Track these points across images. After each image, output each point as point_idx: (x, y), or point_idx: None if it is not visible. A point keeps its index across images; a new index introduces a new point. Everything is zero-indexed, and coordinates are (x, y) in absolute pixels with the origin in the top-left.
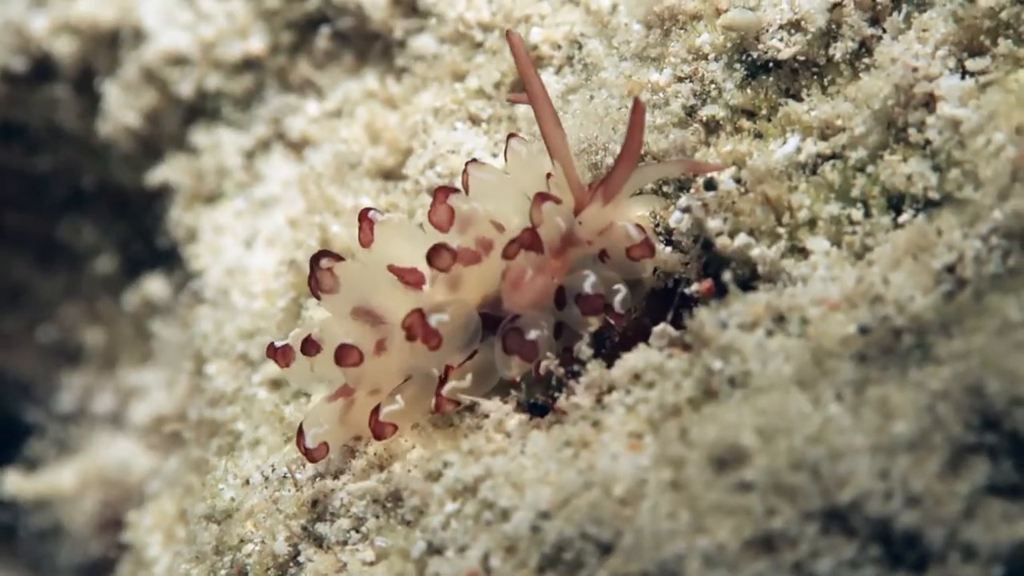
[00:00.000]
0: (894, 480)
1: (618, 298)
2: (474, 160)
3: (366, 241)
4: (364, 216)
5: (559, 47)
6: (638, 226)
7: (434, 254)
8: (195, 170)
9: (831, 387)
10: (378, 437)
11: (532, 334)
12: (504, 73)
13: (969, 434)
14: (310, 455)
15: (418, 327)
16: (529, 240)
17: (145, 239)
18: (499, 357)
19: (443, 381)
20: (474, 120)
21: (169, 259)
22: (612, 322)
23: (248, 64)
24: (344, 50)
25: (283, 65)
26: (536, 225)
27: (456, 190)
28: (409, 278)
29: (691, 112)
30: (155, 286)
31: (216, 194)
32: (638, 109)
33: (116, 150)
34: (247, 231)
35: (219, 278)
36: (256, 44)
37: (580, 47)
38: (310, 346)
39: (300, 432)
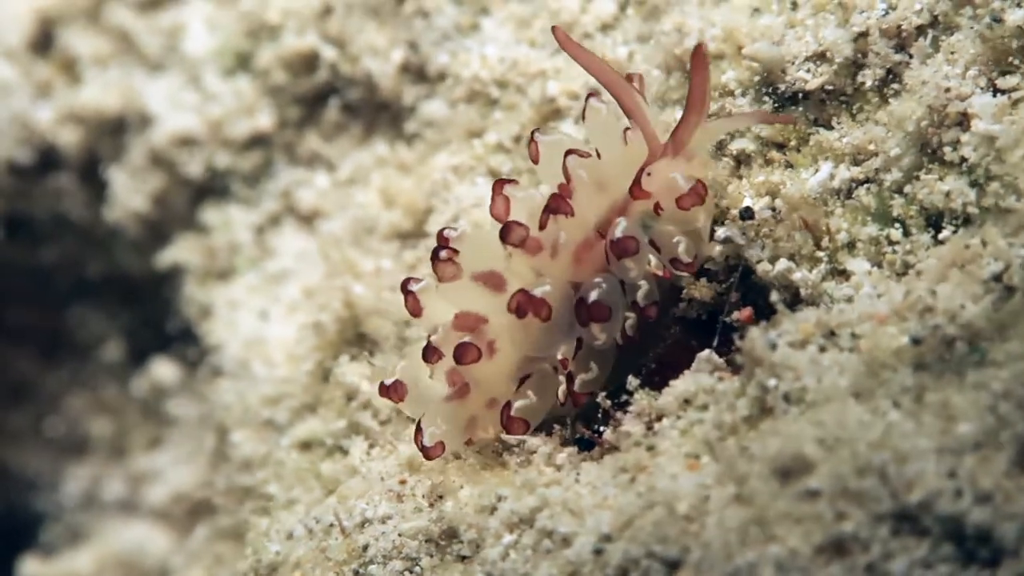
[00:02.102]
0: (962, 479)
1: (681, 248)
2: (537, 129)
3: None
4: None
5: (577, 97)
6: (687, 176)
7: (506, 231)
8: (206, 248)
9: (888, 396)
10: (510, 432)
11: (592, 295)
12: (523, 125)
13: None
14: (427, 453)
15: (526, 302)
16: (555, 204)
17: (152, 324)
18: (584, 334)
19: (571, 378)
20: (494, 174)
21: (179, 341)
22: (680, 272)
23: (256, 140)
24: (353, 121)
25: (291, 140)
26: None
27: (512, 181)
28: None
29: (720, 146)
30: (164, 370)
31: (228, 270)
32: (698, 55)
33: (123, 236)
34: (262, 304)
35: (237, 351)
36: (264, 120)
37: (599, 95)
38: (431, 352)
39: (418, 430)
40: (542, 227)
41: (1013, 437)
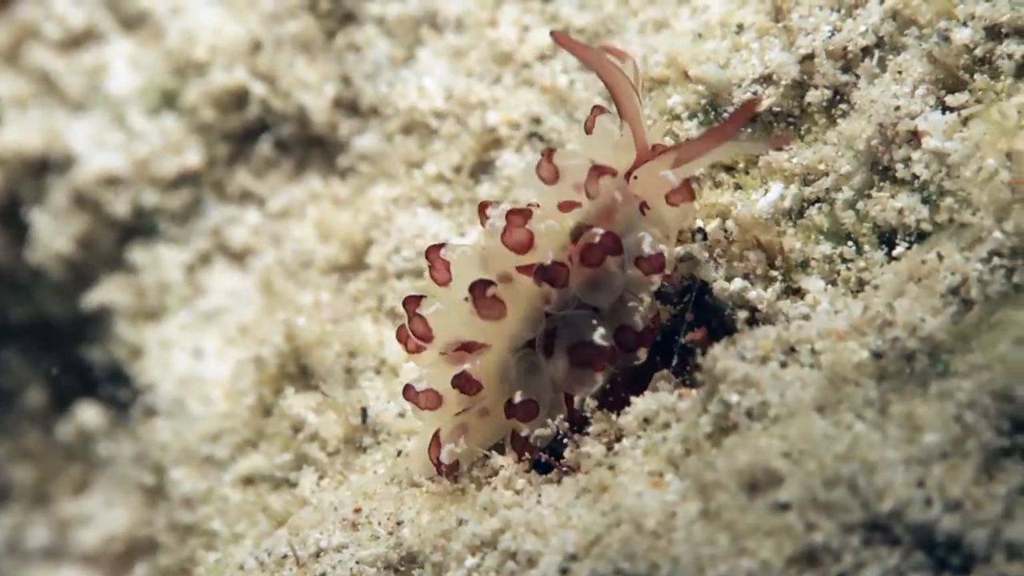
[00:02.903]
0: (931, 488)
1: (646, 243)
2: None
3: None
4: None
5: (518, 126)
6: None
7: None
8: (134, 288)
9: (851, 410)
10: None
11: (593, 336)
12: (464, 155)
13: (1001, 439)
14: (442, 469)
15: (544, 268)
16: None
17: (76, 368)
18: (573, 376)
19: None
20: (435, 205)
21: (108, 383)
22: (647, 274)
23: (185, 178)
24: (284, 157)
25: (221, 177)
26: (591, 196)
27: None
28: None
29: None
30: (89, 414)
31: (159, 310)
32: (746, 107)
33: (46, 279)
34: (195, 343)
35: (172, 389)
36: (192, 158)
37: (540, 123)
38: (471, 385)
39: (436, 443)
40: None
41: (979, 445)
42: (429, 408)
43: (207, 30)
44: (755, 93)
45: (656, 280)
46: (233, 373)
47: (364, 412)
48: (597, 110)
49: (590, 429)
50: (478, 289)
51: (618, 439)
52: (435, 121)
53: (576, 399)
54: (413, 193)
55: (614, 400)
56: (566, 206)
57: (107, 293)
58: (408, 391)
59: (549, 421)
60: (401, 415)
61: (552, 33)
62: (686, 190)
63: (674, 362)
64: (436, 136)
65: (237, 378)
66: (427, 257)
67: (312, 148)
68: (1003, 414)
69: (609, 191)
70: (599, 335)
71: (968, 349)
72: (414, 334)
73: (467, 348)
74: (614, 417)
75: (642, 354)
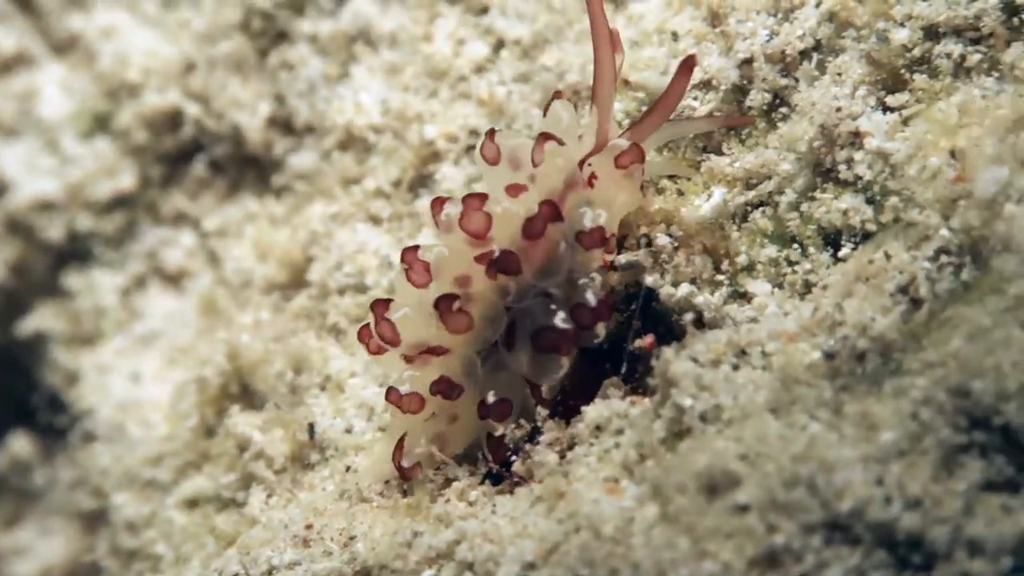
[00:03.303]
0: (890, 486)
1: (587, 218)
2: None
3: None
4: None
5: (456, 139)
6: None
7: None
8: (70, 314)
9: (805, 411)
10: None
11: (554, 321)
12: (403, 170)
13: (958, 435)
14: (405, 473)
15: (494, 260)
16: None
17: (10, 396)
18: (538, 364)
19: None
20: (374, 220)
21: (43, 410)
22: (588, 248)
23: (119, 202)
24: (218, 177)
25: (155, 199)
26: (536, 164)
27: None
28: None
29: None
30: (21, 444)
31: (95, 335)
32: (687, 65)
33: None
34: (133, 367)
35: (110, 414)
36: (126, 181)
37: (478, 136)
38: (452, 389)
39: (400, 448)
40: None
41: (937, 442)
42: (412, 411)
43: (140, 52)
44: (695, 98)
45: (598, 256)
46: (173, 395)
47: (311, 428)
48: (556, 95)
49: (542, 438)
50: (443, 304)
51: (570, 447)
52: (373, 136)
53: (544, 388)
54: (352, 209)
55: (564, 409)
56: (513, 189)
57: (42, 319)
58: (391, 393)
59: (522, 421)
60: (348, 431)
61: None
62: (636, 150)
63: (623, 369)
64: (374, 151)
65: (178, 400)
66: (403, 260)
67: (247, 168)
68: (959, 410)
69: (553, 157)
70: (559, 319)
71: (920, 347)
72: (381, 337)
73: (432, 352)
74: (566, 426)
75: (600, 330)
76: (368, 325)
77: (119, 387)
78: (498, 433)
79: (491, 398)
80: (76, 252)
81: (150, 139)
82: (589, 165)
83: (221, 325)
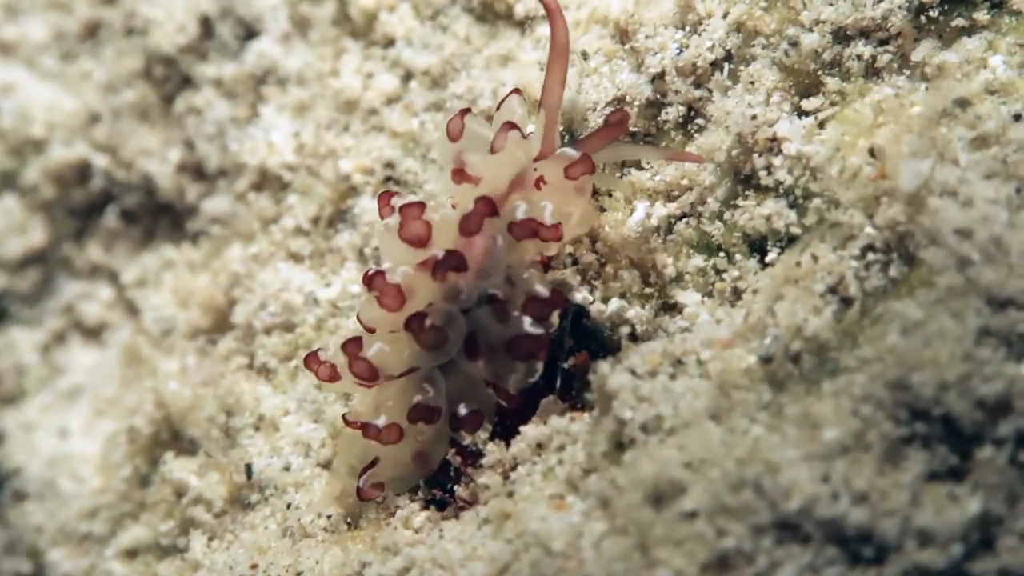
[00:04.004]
0: (836, 482)
1: (547, 212)
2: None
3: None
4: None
5: (372, 172)
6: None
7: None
8: None
9: (745, 415)
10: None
11: (525, 328)
12: (321, 205)
13: (900, 428)
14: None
15: (439, 262)
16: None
17: None
18: (514, 371)
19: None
20: (296, 258)
21: None
22: (546, 239)
23: (32, 258)
24: (132, 227)
25: (69, 253)
26: (495, 151)
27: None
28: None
29: None
30: None
31: (17, 393)
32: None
33: None
34: (59, 422)
35: (40, 471)
36: (37, 237)
37: (394, 167)
38: (431, 414)
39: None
40: (472, 232)
41: (879, 436)
42: (391, 442)
43: (41, 107)
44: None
45: (531, 249)
46: (104, 447)
47: (248, 468)
48: (463, 113)
49: (484, 461)
50: (415, 323)
51: (513, 468)
52: (288, 174)
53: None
54: (272, 248)
55: (503, 430)
56: (459, 176)
57: None
58: (369, 429)
59: (485, 424)
60: (286, 468)
61: None
62: (586, 161)
63: (558, 386)
64: (290, 189)
65: (109, 451)
66: (370, 286)
67: (160, 215)
68: (900, 403)
69: (514, 146)
70: (529, 324)
71: (855, 345)
72: (359, 376)
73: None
74: (506, 447)
75: (555, 319)
76: (315, 352)
77: (46, 443)
78: (466, 443)
79: (463, 410)
80: None
81: (59, 193)
82: (535, 170)
83: (146, 374)
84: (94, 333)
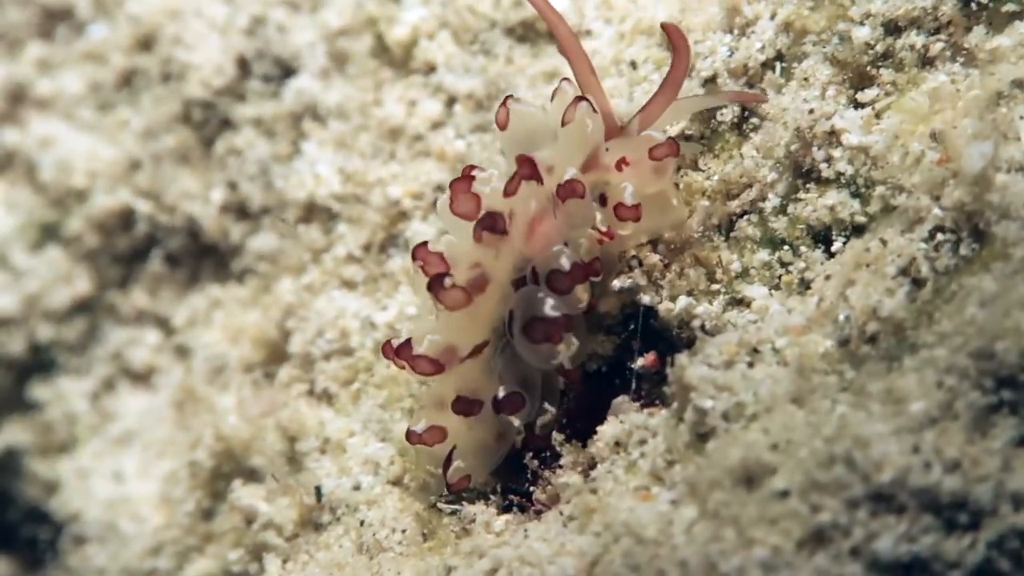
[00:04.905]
0: (927, 452)
1: (628, 193)
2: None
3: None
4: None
5: (421, 196)
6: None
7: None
8: (40, 425)
9: (827, 397)
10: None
11: (543, 310)
12: (373, 231)
13: (987, 396)
14: (453, 487)
15: (480, 221)
16: (528, 171)
17: None
18: (534, 354)
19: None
20: (349, 285)
21: (25, 525)
22: (624, 219)
23: (79, 307)
24: (176, 271)
25: (115, 300)
26: (566, 123)
27: (474, 177)
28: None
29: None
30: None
31: (69, 443)
32: (678, 35)
33: None
34: (113, 467)
35: (99, 515)
36: (82, 286)
37: (443, 190)
38: (472, 406)
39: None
40: (510, 193)
41: (966, 406)
42: (438, 442)
43: (82, 157)
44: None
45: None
46: (163, 485)
47: (318, 490)
48: (506, 100)
49: (562, 461)
50: (435, 284)
51: (592, 467)
52: (336, 204)
53: (567, 362)
54: (324, 278)
55: (573, 434)
56: (528, 165)
57: (11, 435)
58: (411, 435)
59: (547, 407)
60: (356, 488)
61: None
62: (672, 144)
63: (632, 388)
64: (339, 219)
65: (169, 488)
66: (415, 256)
67: (205, 257)
68: (985, 372)
69: (586, 116)
70: (549, 306)
71: (932, 321)
72: (424, 375)
73: (471, 354)
74: (582, 448)
75: (581, 295)
76: (389, 341)
77: (103, 488)
78: (516, 424)
79: (502, 392)
80: (40, 363)
81: (102, 241)
82: (608, 150)
83: (202, 410)
84: (143, 378)
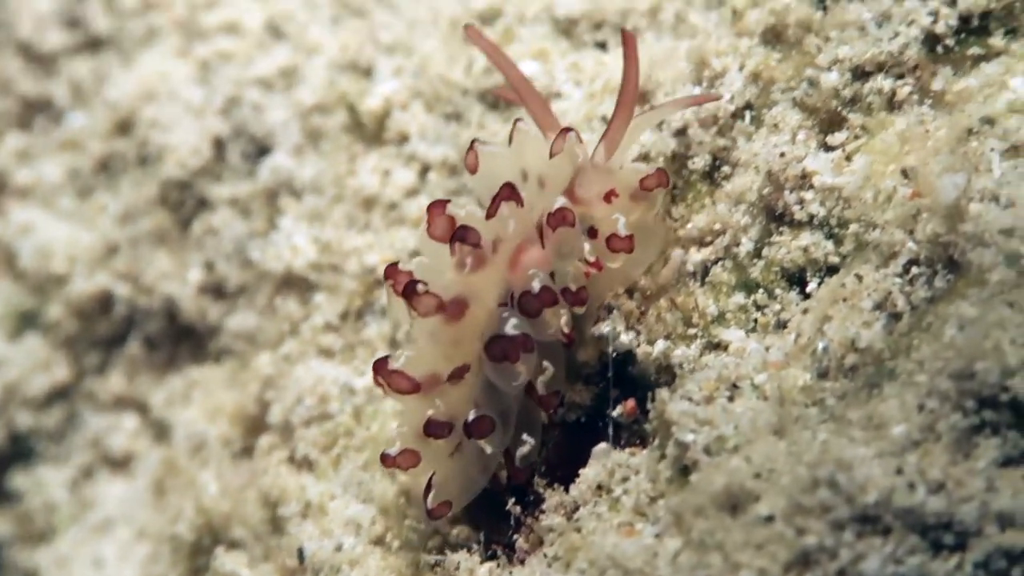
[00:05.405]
0: (911, 474)
1: (620, 224)
2: (477, 139)
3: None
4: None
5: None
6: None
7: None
8: (18, 516)
9: (808, 428)
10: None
11: (504, 329)
12: (350, 299)
13: (968, 417)
14: (433, 513)
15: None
16: (508, 192)
17: None
18: (495, 373)
19: (531, 386)
20: (327, 354)
21: None
22: (616, 250)
23: (57, 394)
24: (154, 353)
25: (93, 387)
26: (554, 154)
27: (449, 201)
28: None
29: None
30: None
31: (49, 531)
32: (630, 46)
33: None
34: (92, 554)
35: None
36: (61, 373)
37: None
38: (441, 428)
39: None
40: (491, 215)
41: (949, 427)
42: (412, 467)
43: (61, 243)
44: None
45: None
46: (145, 561)
47: (300, 552)
48: (473, 144)
49: (544, 506)
50: (409, 290)
51: (575, 509)
52: (313, 274)
53: (539, 387)
54: (302, 347)
55: (553, 481)
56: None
57: None
58: (385, 459)
59: (526, 437)
60: (338, 548)
61: (466, 29)
62: (661, 174)
63: (610, 435)
64: (316, 289)
65: (151, 564)
66: (386, 275)
67: (182, 339)
68: (965, 394)
69: (573, 146)
70: (510, 325)
71: (912, 348)
72: (398, 391)
73: (451, 378)
74: (565, 492)
75: (550, 319)
76: (382, 359)
77: (83, 574)
78: (489, 451)
79: (472, 415)
80: (18, 452)
81: (81, 327)
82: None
83: (183, 486)
84: (122, 464)
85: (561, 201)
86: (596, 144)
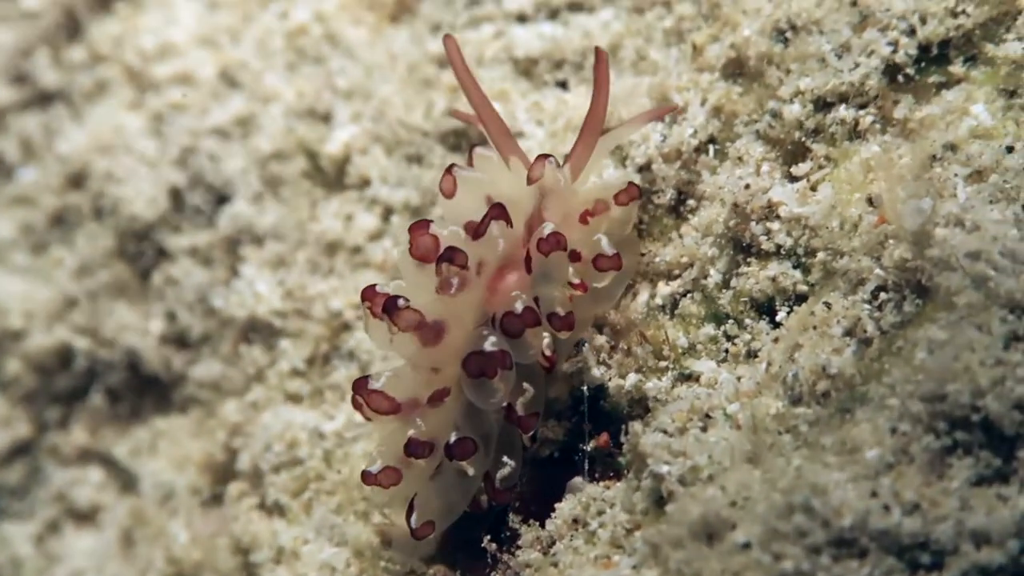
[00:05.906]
0: (886, 496)
1: (604, 243)
2: (455, 164)
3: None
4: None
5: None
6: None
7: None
8: None
9: (782, 455)
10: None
11: (483, 346)
12: (316, 343)
13: (941, 439)
14: (416, 533)
15: (441, 256)
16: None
17: None
18: (473, 390)
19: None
20: (295, 399)
21: None
22: (604, 270)
23: (18, 450)
24: (117, 405)
25: (55, 441)
26: (533, 180)
27: (431, 221)
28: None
29: None
30: None
31: None
32: (601, 67)
33: None
34: None
35: None
36: (22, 429)
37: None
38: (422, 448)
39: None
40: (479, 235)
41: (922, 449)
42: (393, 484)
43: (15, 299)
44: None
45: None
46: None
47: None
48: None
49: (520, 541)
50: (389, 306)
51: (551, 544)
52: (278, 320)
53: (518, 408)
54: (269, 394)
55: (527, 516)
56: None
57: None
58: (367, 477)
59: (507, 459)
60: None
61: (445, 39)
62: (633, 187)
63: (584, 469)
64: (281, 335)
65: None
66: (363, 298)
67: (146, 390)
68: (937, 415)
69: (554, 172)
70: (489, 342)
71: (883, 373)
72: (377, 411)
73: (432, 400)
74: (541, 528)
75: (532, 340)
76: (362, 379)
77: None
78: (471, 473)
79: (453, 437)
80: None
81: (41, 382)
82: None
83: (151, 536)
84: (88, 517)
85: (550, 227)
86: (562, 164)
